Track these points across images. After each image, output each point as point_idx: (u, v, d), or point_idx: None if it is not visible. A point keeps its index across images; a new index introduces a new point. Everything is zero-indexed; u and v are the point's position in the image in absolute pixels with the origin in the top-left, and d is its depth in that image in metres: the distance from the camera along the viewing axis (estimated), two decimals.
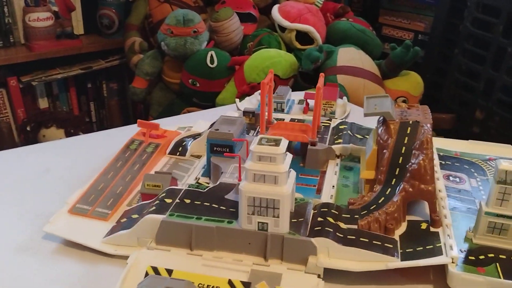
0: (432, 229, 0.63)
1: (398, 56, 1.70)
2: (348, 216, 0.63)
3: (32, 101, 2.15)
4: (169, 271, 0.57)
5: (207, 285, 0.55)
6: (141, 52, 1.93)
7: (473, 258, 0.59)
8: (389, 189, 0.65)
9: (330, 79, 1.59)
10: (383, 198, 0.64)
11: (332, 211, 0.63)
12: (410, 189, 0.63)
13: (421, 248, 0.59)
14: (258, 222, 0.58)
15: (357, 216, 0.62)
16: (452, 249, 0.58)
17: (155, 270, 0.57)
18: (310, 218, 0.61)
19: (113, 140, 0.91)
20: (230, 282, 0.55)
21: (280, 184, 0.56)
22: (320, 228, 0.59)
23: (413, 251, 0.59)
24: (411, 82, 1.75)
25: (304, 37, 1.79)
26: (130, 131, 0.90)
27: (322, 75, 0.87)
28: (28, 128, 1.94)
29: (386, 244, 0.59)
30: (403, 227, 0.63)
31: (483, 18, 1.72)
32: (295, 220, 0.60)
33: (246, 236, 0.59)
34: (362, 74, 1.62)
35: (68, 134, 1.90)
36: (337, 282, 0.58)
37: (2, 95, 2.06)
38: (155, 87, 1.91)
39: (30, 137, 1.93)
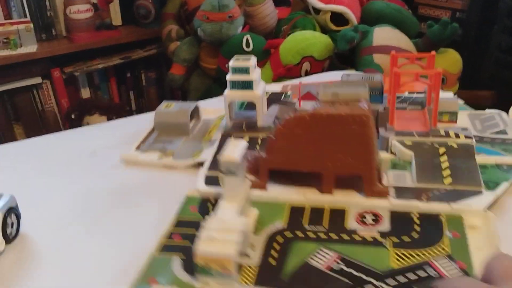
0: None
1: (435, 34, 1.67)
2: None
3: (74, 91, 2.22)
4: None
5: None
6: (178, 40, 1.96)
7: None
8: None
9: (366, 59, 1.59)
10: None
11: None
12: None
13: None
14: None
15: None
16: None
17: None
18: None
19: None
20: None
21: (255, 89, 0.71)
22: None
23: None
24: (449, 59, 1.72)
25: (339, 19, 1.78)
26: None
27: None
28: (72, 116, 2.01)
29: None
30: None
31: None
32: None
33: None
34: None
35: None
36: None
37: (47, 86, 2.14)
38: (193, 73, 1.94)
39: (74, 125, 2.00)
